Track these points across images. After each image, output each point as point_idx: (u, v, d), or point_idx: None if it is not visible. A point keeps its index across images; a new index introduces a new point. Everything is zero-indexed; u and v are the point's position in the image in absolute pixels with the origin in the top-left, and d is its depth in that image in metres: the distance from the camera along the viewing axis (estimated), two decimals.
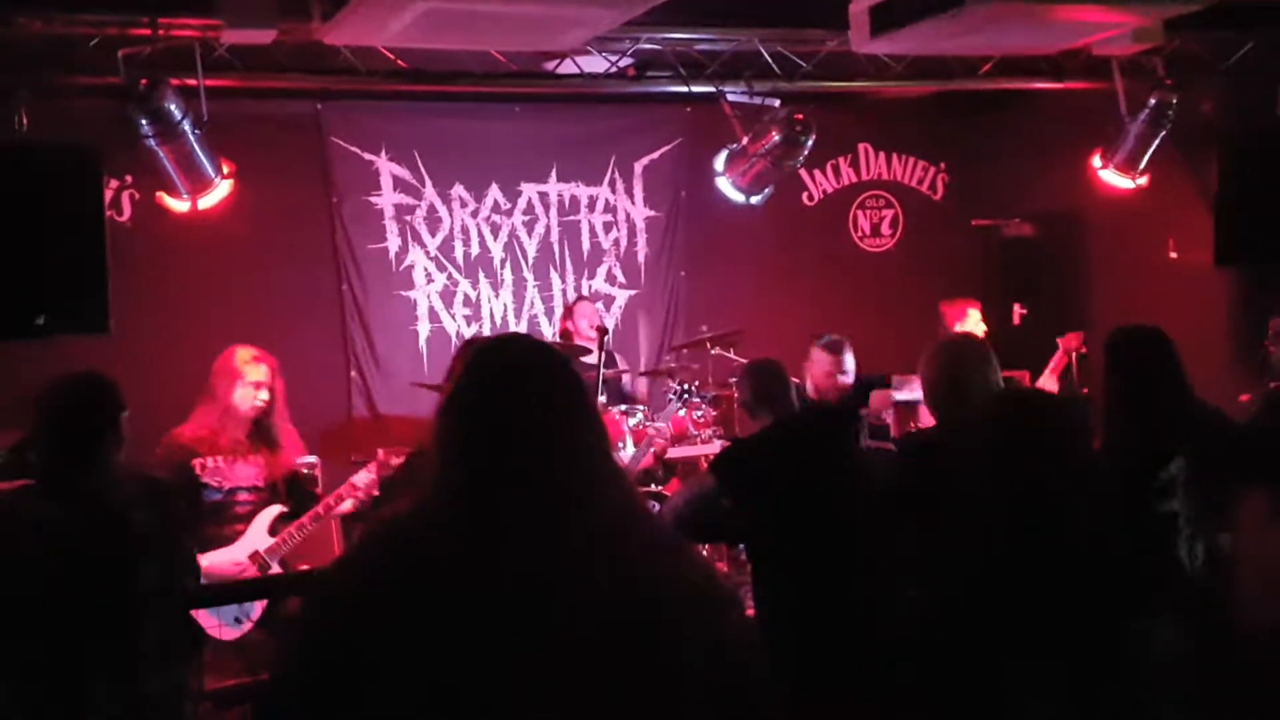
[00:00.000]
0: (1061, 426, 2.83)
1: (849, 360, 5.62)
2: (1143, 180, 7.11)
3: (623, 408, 6.83)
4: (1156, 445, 3.72)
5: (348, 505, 4.77)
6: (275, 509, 4.72)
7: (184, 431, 4.69)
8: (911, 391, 5.67)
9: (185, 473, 4.59)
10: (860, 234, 9.27)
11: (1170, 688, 2.79)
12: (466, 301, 8.34)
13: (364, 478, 4.75)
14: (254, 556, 4.63)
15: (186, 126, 5.75)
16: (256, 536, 4.66)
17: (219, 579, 4.50)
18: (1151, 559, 3.41)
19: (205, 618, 4.51)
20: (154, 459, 4.53)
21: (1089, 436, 2.95)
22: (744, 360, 7.07)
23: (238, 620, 4.58)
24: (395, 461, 4.77)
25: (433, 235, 8.24)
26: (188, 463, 4.62)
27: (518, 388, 1.79)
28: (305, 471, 5.41)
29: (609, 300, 8.61)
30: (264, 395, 4.72)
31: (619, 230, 8.71)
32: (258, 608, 4.62)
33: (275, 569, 4.64)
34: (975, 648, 2.71)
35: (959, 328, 5.95)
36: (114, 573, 3.16)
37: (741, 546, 5.74)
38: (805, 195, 9.08)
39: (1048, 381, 6.22)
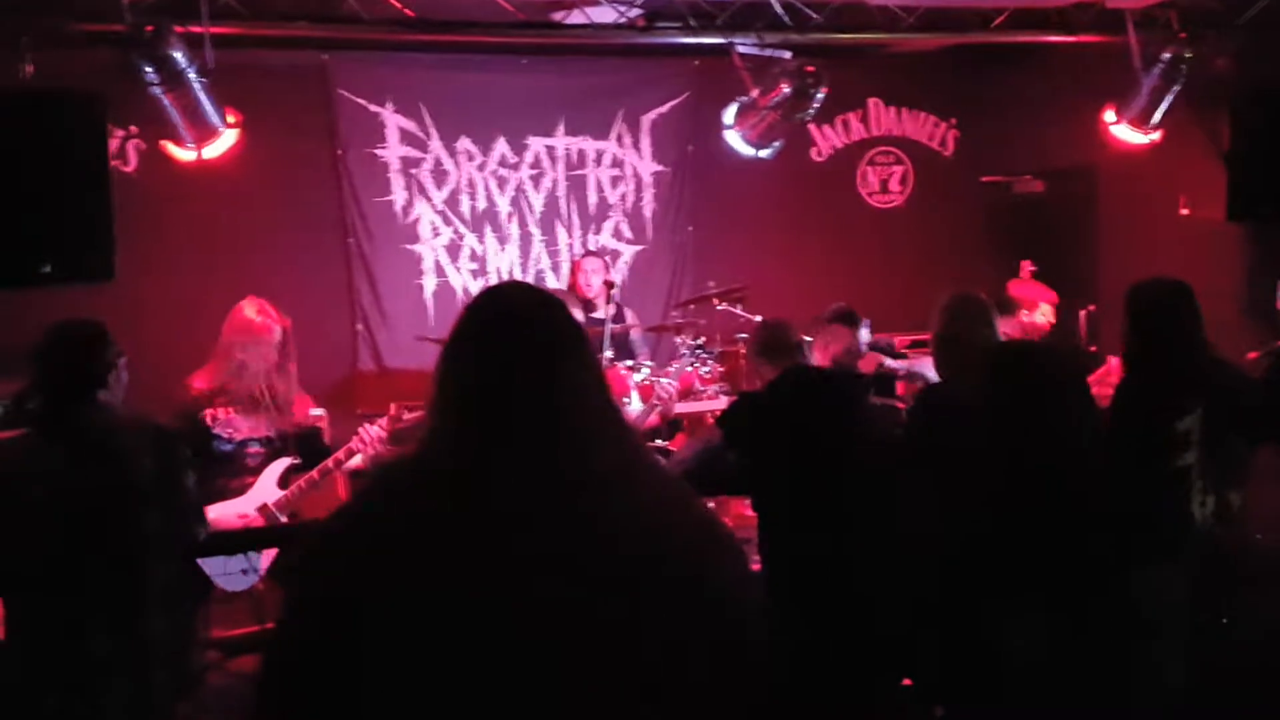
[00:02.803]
0: (1060, 380, 2.83)
1: (864, 335, 5.61)
2: (1155, 135, 7.04)
3: (629, 363, 6.82)
4: (1173, 398, 3.72)
5: (357, 460, 4.73)
6: (285, 461, 4.72)
7: (195, 382, 4.69)
8: (909, 364, 5.67)
9: (194, 423, 4.60)
10: (869, 190, 9.21)
11: (1168, 637, 2.80)
12: (473, 256, 8.32)
13: (373, 432, 4.73)
14: (262, 509, 4.63)
15: (192, 74, 5.70)
16: (266, 489, 4.66)
17: (229, 530, 4.51)
18: (1158, 510, 3.41)
19: (214, 570, 4.52)
20: (165, 408, 4.53)
21: (1088, 390, 2.95)
22: (751, 316, 7.06)
23: (245, 574, 4.59)
24: (407, 416, 4.75)
25: (439, 189, 8.20)
26: (198, 413, 4.62)
27: (514, 333, 1.76)
28: (315, 425, 5.39)
29: (615, 255, 8.58)
30: (273, 355, 4.71)
31: (626, 185, 8.66)
32: (266, 560, 4.63)
33: (284, 522, 4.63)
34: (976, 597, 2.71)
35: (1026, 316, 5.90)
36: (115, 515, 3.16)
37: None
38: (814, 151, 9.02)
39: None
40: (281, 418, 4.77)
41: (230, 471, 4.68)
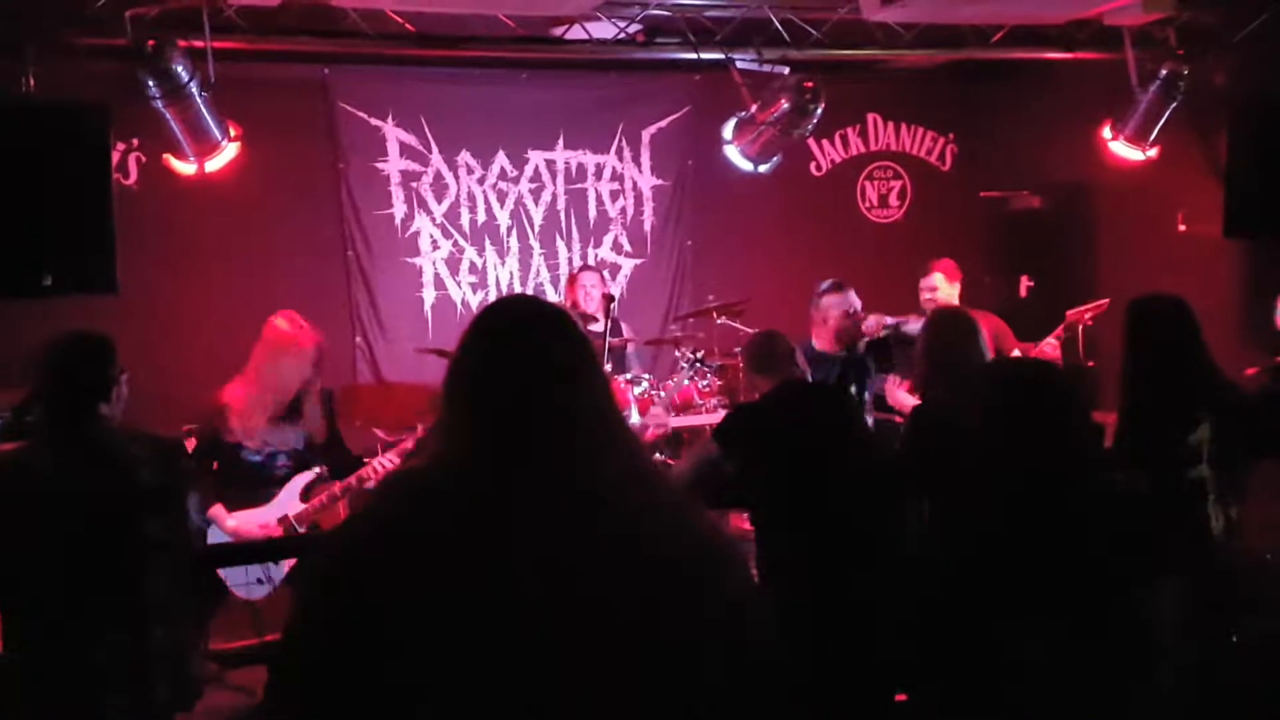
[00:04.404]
0: (1060, 396, 2.84)
1: (854, 298, 5.77)
2: (1152, 152, 7.07)
3: (628, 376, 6.83)
4: (1182, 411, 3.75)
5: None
6: (309, 474, 4.73)
7: (225, 394, 4.69)
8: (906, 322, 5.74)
9: (223, 434, 4.61)
10: (868, 205, 9.24)
11: (1171, 651, 2.81)
12: (472, 269, 8.34)
13: (396, 457, 4.73)
14: (283, 521, 4.64)
15: (194, 88, 5.72)
16: (288, 501, 4.67)
17: (246, 541, 4.53)
18: (1171, 524, 3.42)
19: (230, 579, 4.53)
20: (165, 419, 4.53)
21: (1086, 405, 2.96)
22: (749, 330, 7.07)
23: (261, 582, 4.60)
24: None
25: (439, 202, 8.23)
26: (227, 424, 4.62)
27: (522, 345, 1.78)
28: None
29: (615, 269, 8.59)
30: (308, 370, 4.70)
31: (626, 199, 8.68)
32: (284, 570, 4.63)
33: (301, 534, 4.63)
34: (976, 612, 2.72)
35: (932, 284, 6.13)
36: (116, 525, 3.17)
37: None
38: (813, 165, 9.04)
39: (1048, 348, 6.18)
40: (311, 431, 4.78)
41: (258, 482, 4.69)
